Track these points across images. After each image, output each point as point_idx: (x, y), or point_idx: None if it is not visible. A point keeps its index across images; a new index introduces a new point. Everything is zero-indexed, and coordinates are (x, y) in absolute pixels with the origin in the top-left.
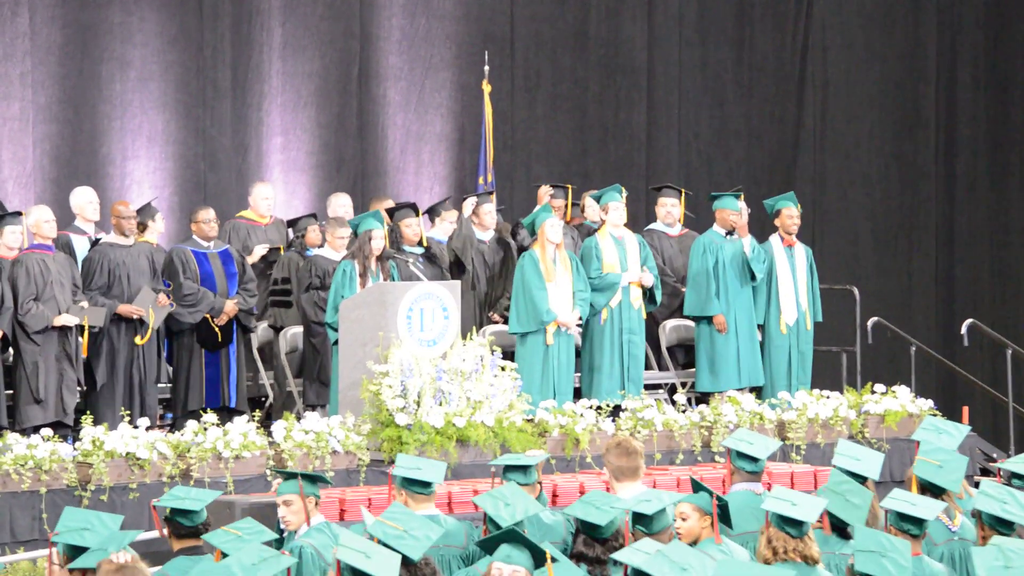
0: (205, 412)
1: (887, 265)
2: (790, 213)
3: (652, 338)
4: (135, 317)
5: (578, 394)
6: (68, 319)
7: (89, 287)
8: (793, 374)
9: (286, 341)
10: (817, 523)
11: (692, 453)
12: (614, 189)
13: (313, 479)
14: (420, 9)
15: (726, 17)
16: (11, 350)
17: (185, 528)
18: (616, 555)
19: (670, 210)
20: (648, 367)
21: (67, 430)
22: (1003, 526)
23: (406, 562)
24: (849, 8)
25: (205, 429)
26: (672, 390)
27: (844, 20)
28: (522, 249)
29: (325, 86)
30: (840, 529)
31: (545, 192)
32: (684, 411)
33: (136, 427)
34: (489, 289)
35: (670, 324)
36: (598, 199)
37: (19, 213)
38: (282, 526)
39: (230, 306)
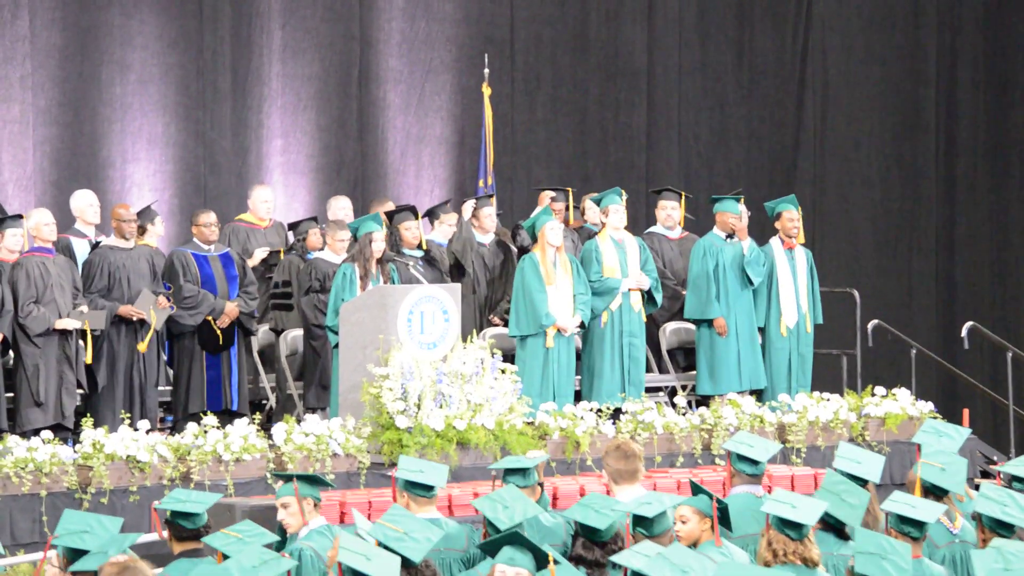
0: (206, 415)
1: (887, 267)
2: (790, 216)
3: (652, 341)
4: (135, 319)
5: (578, 397)
6: (69, 323)
7: (89, 290)
8: (793, 377)
9: (286, 344)
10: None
11: (692, 456)
12: (614, 192)
13: (310, 480)
14: (420, 12)
15: (726, 19)
16: (11, 353)
17: (186, 531)
18: (616, 557)
19: (670, 213)
20: (648, 370)
21: (67, 433)
22: (1003, 529)
23: (407, 564)
24: (849, 10)
25: (205, 432)
26: (672, 393)
27: (844, 22)
28: (522, 252)
29: (325, 89)
30: (837, 529)
31: (545, 195)
32: (684, 414)
33: (136, 430)
34: (489, 292)
35: (670, 327)
36: (598, 202)
37: (19, 216)
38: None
39: (231, 308)
